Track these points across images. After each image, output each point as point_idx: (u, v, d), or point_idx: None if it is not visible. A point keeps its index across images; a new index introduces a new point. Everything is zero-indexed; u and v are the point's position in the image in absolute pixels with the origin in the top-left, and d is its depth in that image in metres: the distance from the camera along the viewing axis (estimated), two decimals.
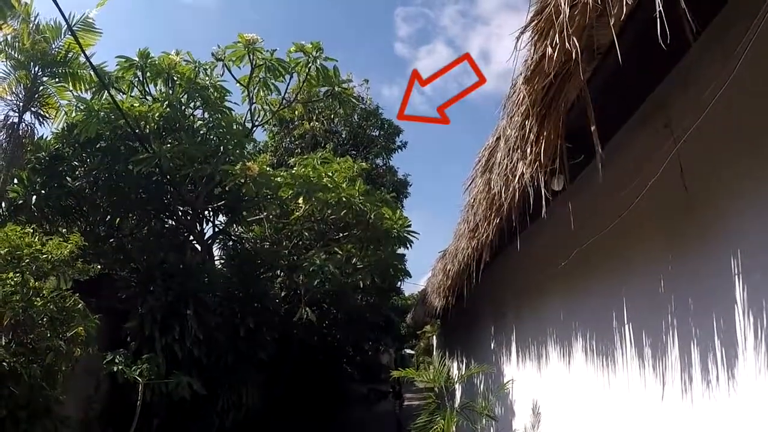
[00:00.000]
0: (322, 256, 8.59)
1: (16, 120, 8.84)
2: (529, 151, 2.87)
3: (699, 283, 2.92)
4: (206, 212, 10.18)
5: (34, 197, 8.62)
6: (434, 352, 17.53)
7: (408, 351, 52.50)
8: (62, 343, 5.47)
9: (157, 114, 8.21)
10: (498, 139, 3.50)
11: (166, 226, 10.51)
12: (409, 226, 9.07)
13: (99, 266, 8.61)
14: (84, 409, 7.52)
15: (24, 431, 5.24)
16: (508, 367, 6.87)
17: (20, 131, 9.91)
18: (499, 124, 3.51)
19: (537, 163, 2.79)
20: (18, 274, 5.61)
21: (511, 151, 3.14)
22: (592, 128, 2.38)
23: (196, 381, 7.21)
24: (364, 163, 11.11)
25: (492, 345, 8.11)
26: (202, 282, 9.03)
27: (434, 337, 17.70)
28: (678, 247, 3.12)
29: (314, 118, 16.57)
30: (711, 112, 2.36)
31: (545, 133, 2.68)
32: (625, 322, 3.65)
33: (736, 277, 2.60)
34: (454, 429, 5.27)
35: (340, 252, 8.85)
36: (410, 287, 22.41)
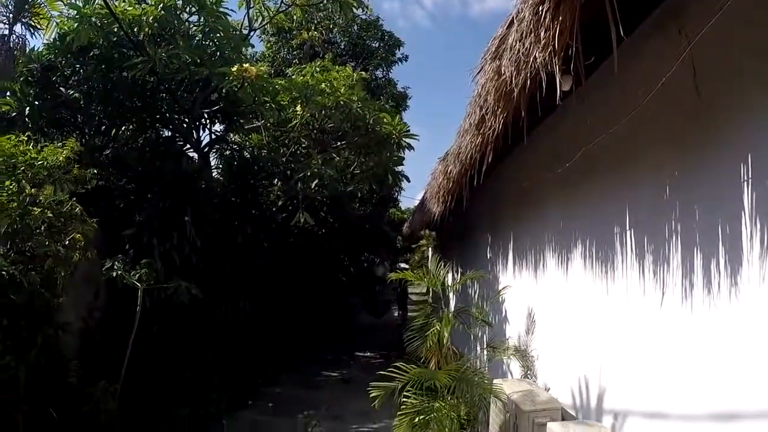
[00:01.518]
0: (319, 161, 8.46)
1: (6, 32, 8.54)
2: (543, 35, 2.74)
3: (706, 190, 2.87)
4: (203, 119, 9.98)
5: (28, 109, 8.38)
6: (429, 264, 17.72)
7: (402, 265, 53.46)
8: (60, 249, 5.44)
9: (151, 17, 7.86)
10: (510, 25, 3.34)
11: (163, 135, 10.34)
12: (408, 130, 8.92)
13: (95, 177, 8.57)
14: (84, 319, 7.60)
15: (25, 339, 5.30)
16: (504, 276, 6.94)
17: (11, 43, 9.59)
18: (511, 12, 3.35)
19: (551, 47, 2.67)
20: (14, 183, 5.54)
21: (524, 36, 3.00)
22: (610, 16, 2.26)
23: (194, 286, 7.27)
24: (363, 73, 10.84)
25: (488, 255, 8.17)
26: (199, 189, 8.97)
27: (429, 249, 17.78)
28: (686, 154, 3.06)
29: (312, 27, 16.05)
30: (725, 21, 2.25)
31: (560, 18, 2.55)
32: (627, 228, 3.62)
33: (745, 184, 2.56)
34: (447, 334, 5.33)
35: (338, 157, 8.72)
36: (407, 202, 22.55)
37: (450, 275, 11.39)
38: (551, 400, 4.73)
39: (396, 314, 18.67)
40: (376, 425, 8.28)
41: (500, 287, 6.73)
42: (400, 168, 9.44)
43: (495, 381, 5.23)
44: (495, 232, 7.73)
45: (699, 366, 2.85)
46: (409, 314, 17.47)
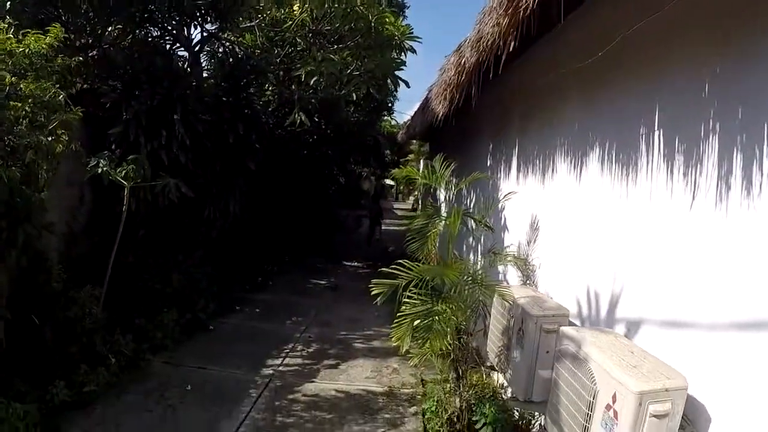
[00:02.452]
0: (319, 57, 8.00)
1: None
2: None
3: (752, 86, 2.62)
4: (195, 16, 9.38)
5: (8, 3, 7.74)
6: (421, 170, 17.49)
7: (388, 181, 53.24)
8: (43, 139, 5.06)
9: None
10: None
11: (152, 34, 9.74)
12: (411, 32, 8.46)
13: (81, 80, 8.13)
14: (68, 222, 7.32)
15: (6, 240, 5.00)
16: (506, 184, 6.73)
17: None
18: None
19: None
20: None
21: None
22: None
23: (183, 184, 6.97)
24: None
25: (488, 163, 7.94)
26: (189, 87, 8.53)
27: (421, 162, 17.51)
28: (732, 46, 2.78)
29: None
30: None
31: None
32: (655, 128, 3.38)
33: None
34: (455, 231, 5.14)
35: (336, 57, 8.25)
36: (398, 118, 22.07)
37: (452, 180, 11.21)
38: (559, 306, 4.62)
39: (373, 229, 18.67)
40: (365, 332, 8.27)
41: (501, 195, 6.53)
42: (400, 73, 9.00)
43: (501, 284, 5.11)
44: (497, 140, 7.46)
45: (730, 271, 2.69)
46: (408, 222, 17.44)
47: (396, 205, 43.78)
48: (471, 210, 8.29)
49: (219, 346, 7.27)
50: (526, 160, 6.08)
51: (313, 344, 7.59)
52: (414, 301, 4.73)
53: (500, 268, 6.37)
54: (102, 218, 7.63)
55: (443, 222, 5.40)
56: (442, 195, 12.01)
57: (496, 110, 7.34)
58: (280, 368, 6.66)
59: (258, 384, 6.13)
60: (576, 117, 4.72)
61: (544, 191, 5.45)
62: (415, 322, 4.64)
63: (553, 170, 5.26)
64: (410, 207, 38.31)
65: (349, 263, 14.64)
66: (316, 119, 8.51)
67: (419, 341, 4.68)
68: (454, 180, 6.05)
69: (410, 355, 7.02)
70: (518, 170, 6.36)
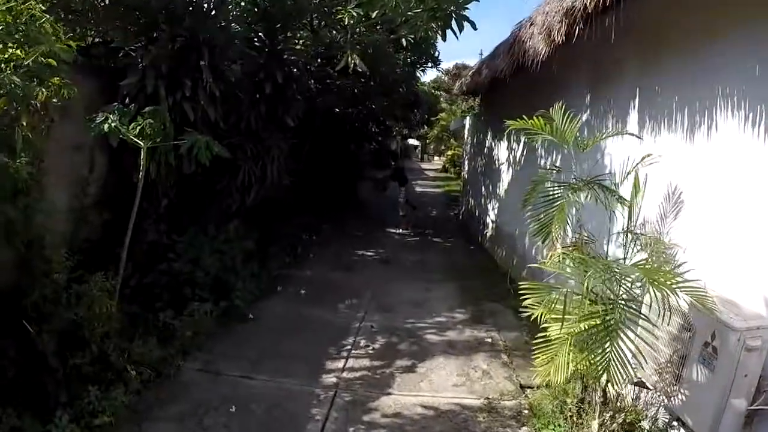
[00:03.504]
0: None
1: None
2: None
3: None
4: None
5: None
6: (466, 134, 15.72)
7: (411, 141, 51.53)
8: (15, 80, 3.57)
9: None
10: None
11: None
12: None
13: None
14: (77, 196, 5.96)
15: None
16: (616, 146, 5.22)
17: None
18: None
19: None
20: None
21: None
22: None
23: (215, 143, 5.49)
24: None
25: (584, 117, 6.39)
26: (218, 28, 7.02)
27: (467, 120, 15.78)
28: None
29: None
30: None
31: None
32: None
33: None
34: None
35: None
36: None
37: (503, 153, 9.68)
38: (759, 315, 3.21)
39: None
40: (435, 318, 6.89)
41: (608, 158, 5.05)
42: (465, 12, 7.34)
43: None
44: (600, 89, 5.92)
45: None
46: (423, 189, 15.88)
47: (424, 166, 42.19)
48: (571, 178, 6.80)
49: (263, 343, 5.92)
50: (655, 115, 4.59)
51: (378, 337, 6.21)
52: (586, 308, 3.28)
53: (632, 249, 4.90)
54: (117, 189, 6.24)
55: (582, 195, 3.95)
56: (501, 155, 10.46)
57: (600, 54, 5.77)
58: (345, 374, 5.29)
59: (321, 399, 4.75)
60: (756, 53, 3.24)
61: (693, 154, 3.98)
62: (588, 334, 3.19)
63: (709, 127, 3.80)
64: (440, 167, 36.63)
65: (392, 230, 13.22)
66: (360, 69, 6.95)
67: (590, 367, 3.27)
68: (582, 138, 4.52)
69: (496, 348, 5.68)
70: (641, 127, 4.85)
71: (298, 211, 12.50)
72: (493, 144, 11.35)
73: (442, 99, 40.57)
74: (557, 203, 4.00)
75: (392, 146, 38.59)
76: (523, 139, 8.89)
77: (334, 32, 8.79)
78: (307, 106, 8.90)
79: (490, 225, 11.13)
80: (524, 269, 8.30)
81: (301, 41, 9.07)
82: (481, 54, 16.06)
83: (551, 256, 4.21)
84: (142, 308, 5.80)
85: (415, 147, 57.15)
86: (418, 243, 11.89)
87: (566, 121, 4.18)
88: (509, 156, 9.77)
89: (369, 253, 10.45)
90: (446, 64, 38.00)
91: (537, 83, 7.84)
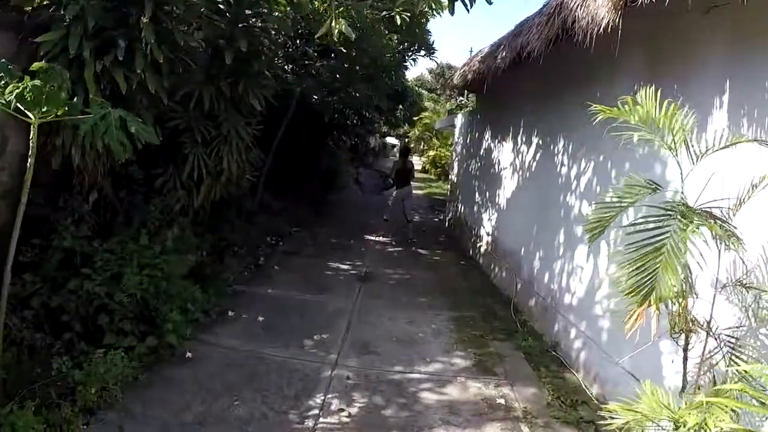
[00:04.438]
0: None
1: None
2: None
3: None
4: None
5: None
6: (457, 137, 14.16)
7: (389, 139, 50.01)
8: None
9: None
10: None
11: None
12: None
13: None
14: None
15: None
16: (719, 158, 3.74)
17: None
18: None
19: None
20: None
21: None
22: None
23: (135, 119, 3.85)
24: None
25: None
26: None
27: (458, 117, 14.24)
28: None
29: None
30: None
31: None
32: None
33: None
34: None
35: None
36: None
37: (508, 162, 8.10)
38: None
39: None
40: (430, 365, 5.36)
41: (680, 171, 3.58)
42: None
43: None
44: (666, 78, 4.45)
45: None
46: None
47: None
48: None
49: (200, 398, 4.33)
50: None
51: (356, 395, 4.62)
52: None
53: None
54: (42, 177, 4.63)
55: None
56: (504, 159, 8.98)
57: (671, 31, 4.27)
58: None
59: None
60: None
61: None
62: None
63: None
64: (421, 168, 35.08)
65: (372, 237, 11.62)
66: (346, 36, 5.42)
67: None
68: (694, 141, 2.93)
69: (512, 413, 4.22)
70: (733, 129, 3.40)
71: (264, 213, 10.94)
72: (492, 145, 9.85)
73: (425, 97, 39.14)
74: (659, 240, 2.47)
75: (371, 143, 37.10)
76: (535, 140, 7.43)
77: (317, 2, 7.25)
78: (280, 90, 7.34)
79: (486, 238, 9.65)
80: (532, 298, 6.84)
81: (277, 9, 7.47)
82: (471, 51, 14.57)
83: (632, 325, 2.69)
84: (47, 340, 4.26)
85: (393, 146, 55.82)
86: (403, 255, 10.33)
87: (676, 117, 2.65)
88: (515, 160, 8.29)
89: (345, 266, 8.85)
90: (430, 63, 36.58)
91: (563, 71, 6.39)
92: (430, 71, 51.65)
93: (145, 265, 5.21)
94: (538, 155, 7.27)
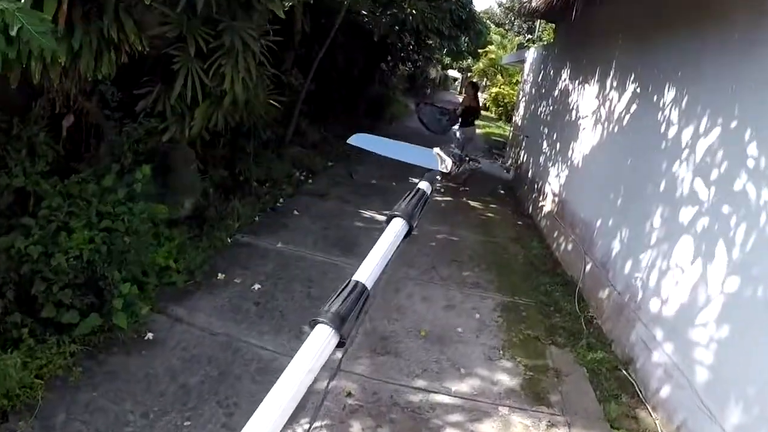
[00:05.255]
0: None
1: None
2: None
3: None
4: None
5: None
6: (527, 74, 12.31)
7: (451, 72, 47.56)
8: None
9: None
10: None
11: None
12: None
13: None
14: None
15: None
16: None
17: None
18: None
19: None
20: None
21: None
22: None
23: (32, 14, 2.44)
24: None
25: None
26: None
27: (529, 52, 12.34)
28: None
29: None
30: None
31: None
32: None
33: None
34: None
35: None
36: None
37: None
38: None
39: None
40: (461, 383, 4.00)
41: None
42: None
43: None
44: None
45: None
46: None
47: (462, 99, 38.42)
48: None
49: (142, 416, 3.11)
50: None
51: (355, 424, 3.32)
52: None
53: None
54: None
55: None
56: (585, 105, 7.31)
57: None
58: None
59: None
60: None
61: None
62: None
63: None
64: (481, 105, 32.84)
65: (417, 179, 10.10)
66: None
67: None
68: None
69: None
70: None
71: (299, 143, 9.61)
72: (571, 87, 8.13)
73: (492, 30, 36.65)
74: None
75: (431, 74, 34.95)
76: (631, 87, 5.76)
77: None
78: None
79: (551, 197, 8.08)
80: (604, 288, 5.37)
81: None
82: None
83: None
84: None
85: (455, 79, 53.30)
86: (451, 207, 8.83)
87: None
88: (599, 109, 6.64)
89: (380, 217, 7.44)
90: None
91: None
92: (500, 4, 48.57)
93: (106, 214, 3.95)
94: (634, 106, 5.61)
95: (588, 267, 5.95)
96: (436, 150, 1.48)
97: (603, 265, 5.60)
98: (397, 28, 11.13)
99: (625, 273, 5.04)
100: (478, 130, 12.10)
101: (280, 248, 5.75)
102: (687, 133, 4.37)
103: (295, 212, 6.93)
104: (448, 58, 31.83)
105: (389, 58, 14.02)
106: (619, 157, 5.78)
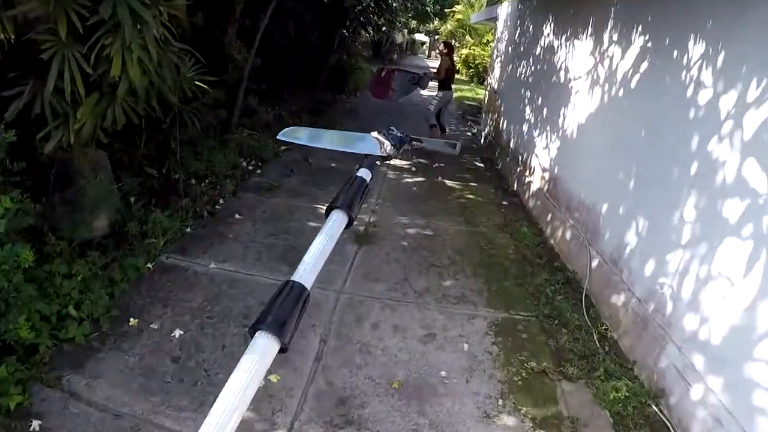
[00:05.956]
0: None
1: None
2: None
3: None
4: None
5: None
6: (501, 31, 11.09)
7: (418, 36, 46.23)
8: None
9: None
10: None
11: None
12: None
13: None
14: None
15: None
16: None
17: None
18: None
19: None
20: None
21: None
22: None
23: None
24: None
25: None
26: None
27: (502, 6, 11.09)
28: None
29: None
30: None
31: None
32: None
33: None
34: None
35: None
36: None
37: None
38: None
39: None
40: None
41: None
42: None
43: None
44: None
45: None
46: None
47: (432, 64, 37.02)
48: None
49: None
50: None
51: None
52: None
53: None
54: None
55: None
56: (576, 64, 6.24)
57: None
58: None
59: None
60: None
61: None
62: None
63: None
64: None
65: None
66: None
67: None
68: None
69: None
70: None
71: (249, 125, 8.42)
72: (557, 44, 6.97)
73: None
74: None
75: (397, 39, 33.55)
76: (638, 40, 4.65)
77: None
78: None
79: (539, 172, 7.01)
80: (619, 293, 4.38)
81: None
82: None
83: None
84: None
85: (422, 43, 51.98)
86: (425, 189, 7.65)
87: None
88: (596, 68, 5.53)
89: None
90: None
91: None
92: None
93: None
94: (644, 64, 4.50)
95: (594, 263, 4.92)
96: (374, 134, 1.50)
97: (614, 262, 4.57)
98: None
99: (645, 276, 4.00)
100: None
101: (213, 270, 4.58)
102: (728, 101, 3.28)
103: (237, 216, 5.75)
104: (414, 22, 30.60)
105: (348, 23, 12.73)
106: (627, 128, 4.70)
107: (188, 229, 5.23)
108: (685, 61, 3.84)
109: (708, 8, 3.65)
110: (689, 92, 3.73)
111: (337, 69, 14.11)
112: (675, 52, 3.98)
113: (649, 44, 4.43)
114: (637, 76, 4.61)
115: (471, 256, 5.42)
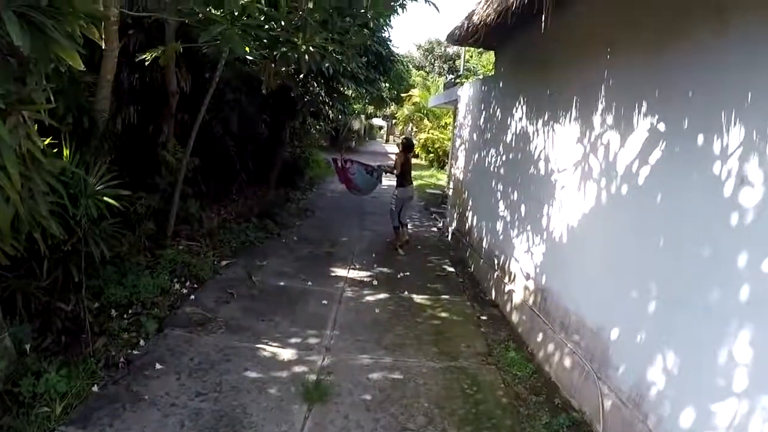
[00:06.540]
0: None
1: None
2: None
3: None
4: None
5: None
6: (463, 115, 10.31)
7: (376, 121, 46.34)
8: None
9: None
10: None
11: None
12: None
13: None
14: None
15: None
16: None
17: None
18: None
19: None
20: None
21: None
22: None
23: None
24: None
25: None
26: None
27: (463, 89, 10.40)
28: None
29: None
30: None
31: None
32: None
33: None
34: None
35: None
36: None
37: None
38: None
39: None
40: None
41: None
42: None
43: None
44: None
45: None
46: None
47: (390, 149, 36.71)
48: None
49: None
50: None
51: None
52: None
53: None
54: None
55: None
56: (560, 153, 5.39)
57: None
58: None
59: None
60: None
61: None
62: None
63: None
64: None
65: (342, 271, 7.79)
66: None
67: None
68: None
69: None
70: None
71: (185, 237, 7.35)
72: (532, 129, 6.11)
73: (414, 74, 35.84)
74: None
75: (355, 125, 33.18)
76: (646, 121, 3.76)
77: None
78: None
79: (522, 280, 6.00)
80: None
81: None
82: None
83: None
84: None
85: (380, 128, 52.22)
86: (387, 309, 6.42)
87: None
88: (587, 155, 4.63)
89: (285, 355, 4.99)
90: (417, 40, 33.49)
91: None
92: (418, 47, 48.15)
93: None
94: (657, 152, 3.59)
95: (608, 403, 3.85)
96: None
97: (636, 405, 3.52)
98: (299, 75, 9.09)
99: (683, 429, 2.96)
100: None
101: None
102: None
103: (158, 365, 4.50)
104: (371, 107, 30.40)
105: (296, 114, 11.92)
106: (638, 235, 3.75)
107: (95, 388, 4.00)
108: (714, 147, 2.93)
109: (746, 74, 2.77)
110: (727, 191, 2.81)
111: (291, 163, 13.20)
112: (701, 137, 3.08)
113: (658, 126, 3.54)
114: (645, 169, 3.70)
115: (452, 408, 4.25)
